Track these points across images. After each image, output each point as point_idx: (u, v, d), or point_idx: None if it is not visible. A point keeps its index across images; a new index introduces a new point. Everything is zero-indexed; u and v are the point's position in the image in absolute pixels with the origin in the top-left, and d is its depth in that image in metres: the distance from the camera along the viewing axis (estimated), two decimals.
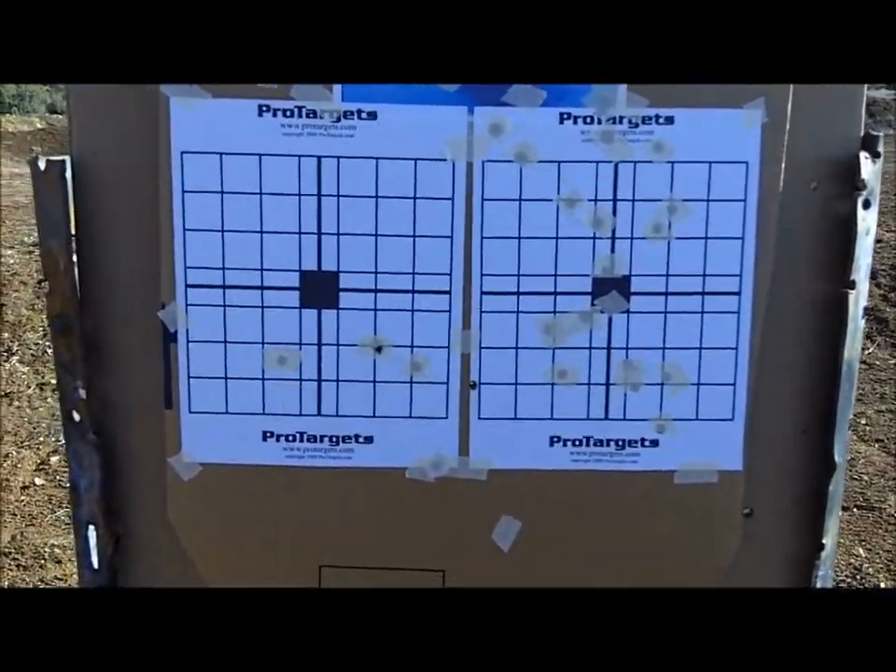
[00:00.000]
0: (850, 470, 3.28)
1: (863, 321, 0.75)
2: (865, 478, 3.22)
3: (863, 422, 3.66)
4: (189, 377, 0.71)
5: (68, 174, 0.69)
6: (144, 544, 0.77)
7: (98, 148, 0.70)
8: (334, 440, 0.73)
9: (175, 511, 0.74)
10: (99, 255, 0.71)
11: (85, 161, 0.70)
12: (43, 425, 3.73)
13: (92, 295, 0.72)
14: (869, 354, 4.15)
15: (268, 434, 0.73)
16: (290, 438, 0.73)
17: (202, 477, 0.73)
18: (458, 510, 0.74)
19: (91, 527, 0.75)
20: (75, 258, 0.70)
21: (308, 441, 0.73)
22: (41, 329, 4.43)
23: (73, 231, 0.70)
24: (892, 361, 4.23)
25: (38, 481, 3.33)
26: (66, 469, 3.35)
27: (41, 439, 3.62)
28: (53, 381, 4.05)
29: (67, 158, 0.69)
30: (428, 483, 0.73)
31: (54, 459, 3.46)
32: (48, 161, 0.68)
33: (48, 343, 4.28)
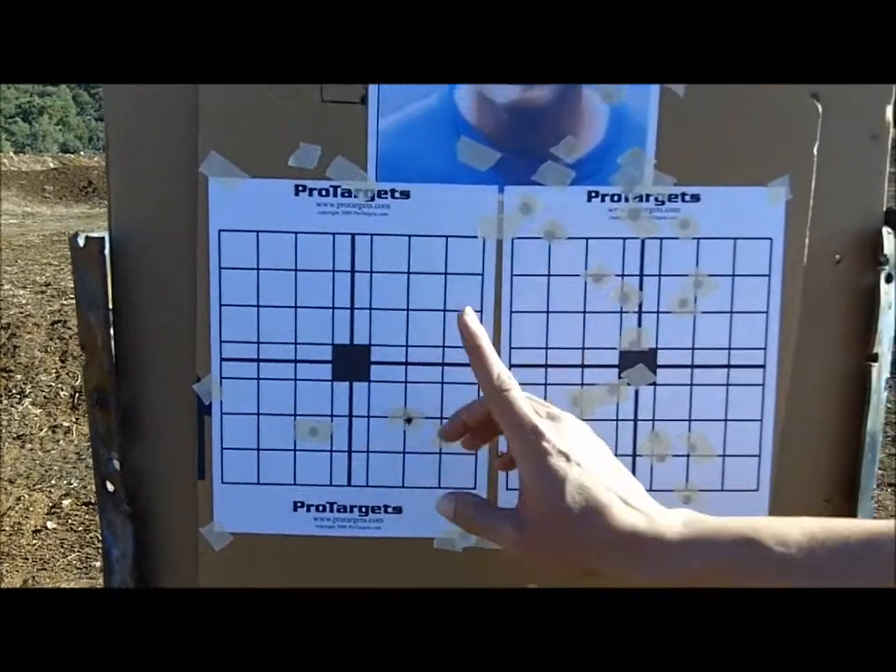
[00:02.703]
0: None
1: (886, 393, 0.76)
2: None
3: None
4: (222, 448, 0.73)
5: (107, 250, 0.70)
6: None
7: (136, 225, 0.71)
8: (364, 510, 0.74)
9: (206, 581, 0.75)
10: (136, 329, 0.72)
11: (123, 237, 0.71)
12: (55, 467, 3.74)
13: (129, 368, 0.73)
14: None
15: (298, 504, 0.74)
16: (321, 508, 0.74)
17: (232, 547, 0.74)
18: (486, 579, 0.75)
19: None
20: (112, 331, 0.72)
21: (338, 511, 0.74)
22: (54, 371, 4.46)
23: (110, 305, 0.71)
24: None
25: (50, 524, 3.33)
26: (78, 513, 3.36)
27: (53, 482, 3.63)
28: (66, 423, 4.07)
29: (106, 234, 0.71)
30: (456, 553, 0.74)
31: (66, 502, 3.47)
32: (87, 237, 0.70)
33: (60, 386, 4.30)
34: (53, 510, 3.43)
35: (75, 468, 3.68)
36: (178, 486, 0.75)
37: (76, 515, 3.37)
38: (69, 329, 4.89)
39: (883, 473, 3.47)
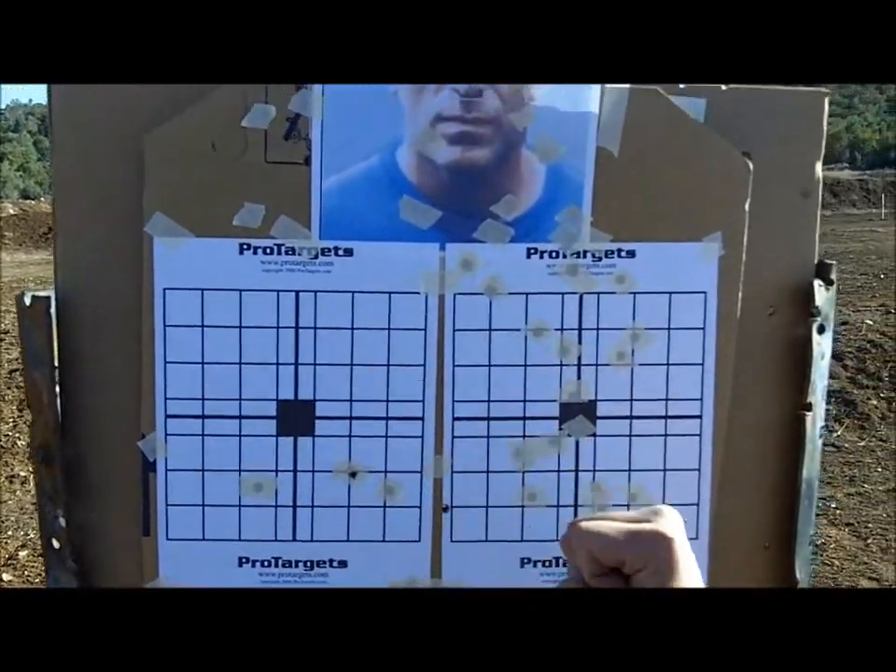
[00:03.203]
0: (821, 555, 3.29)
1: (821, 440, 0.77)
2: (836, 562, 3.21)
3: (833, 506, 3.66)
4: (167, 505, 0.73)
5: (53, 309, 0.71)
6: None
7: (82, 283, 0.72)
8: (308, 564, 0.74)
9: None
10: (81, 386, 0.73)
11: (68, 295, 0.72)
12: (11, 518, 3.68)
13: (74, 425, 0.73)
14: (837, 437, 4.19)
15: (244, 560, 0.74)
16: (266, 563, 0.74)
17: None
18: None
19: None
20: (58, 389, 0.72)
21: (283, 566, 0.74)
22: (11, 420, 4.40)
23: (56, 363, 0.72)
24: (861, 443, 4.24)
25: (6, 576, 3.28)
26: (35, 564, 3.30)
27: (10, 532, 3.57)
28: (22, 473, 4.02)
29: (52, 293, 0.71)
30: None
31: (23, 554, 3.42)
32: (33, 296, 0.70)
33: (17, 435, 4.25)
34: (9, 561, 3.37)
35: (31, 518, 3.63)
36: (124, 542, 0.75)
37: (32, 567, 3.32)
38: None
39: (840, 512, 3.51)
